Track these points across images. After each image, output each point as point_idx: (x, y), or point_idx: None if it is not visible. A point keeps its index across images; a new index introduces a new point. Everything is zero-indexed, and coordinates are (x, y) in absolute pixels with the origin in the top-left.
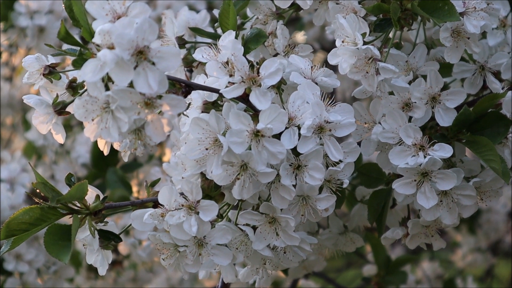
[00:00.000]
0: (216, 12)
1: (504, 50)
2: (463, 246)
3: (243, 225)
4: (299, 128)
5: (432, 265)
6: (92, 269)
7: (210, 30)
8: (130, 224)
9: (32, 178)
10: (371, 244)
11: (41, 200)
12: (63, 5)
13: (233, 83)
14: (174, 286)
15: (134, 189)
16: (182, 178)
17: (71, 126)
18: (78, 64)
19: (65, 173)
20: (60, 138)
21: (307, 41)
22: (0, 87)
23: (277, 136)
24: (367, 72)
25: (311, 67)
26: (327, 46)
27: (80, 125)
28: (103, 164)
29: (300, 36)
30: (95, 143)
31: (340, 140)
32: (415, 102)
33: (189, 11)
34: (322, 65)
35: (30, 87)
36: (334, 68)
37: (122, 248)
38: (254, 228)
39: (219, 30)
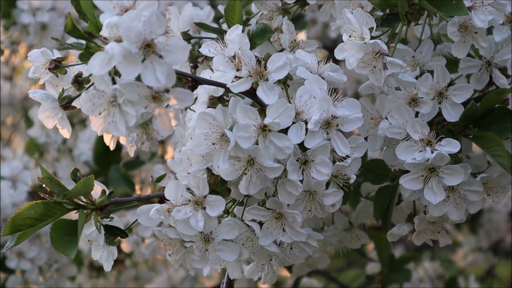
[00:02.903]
0: (221, 8)
1: (510, 45)
2: (464, 246)
3: (250, 220)
4: (306, 123)
5: (433, 264)
6: (94, 268)
7: (215, 26)
8: (134, 222)
9: (34, 175)
10: (375, 242)
11: (47, 195)
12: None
13: (240, 78)
14: (175, 285)
15: (137, 186)
16: (189, 173)
17: (73, 123)
18: (85, 57)
19: (67, 170)
20: (66, 132)
21: (309, 39)
22: (0, 86)
23: (284, 131)
24: (374, 67)
25: (318, 62)
26: (329, 44)
27: (83, 122)
28: (105, 162)
29: (302, 35)
30: (98, 140)
31: (347, 135)
32: (422, 98)
33: (193, 7)
34: (326, 62)
35: (30, 86)
36: (339, 64)
37: (125, 245)
38: (261, 223)
39: (224, 26)
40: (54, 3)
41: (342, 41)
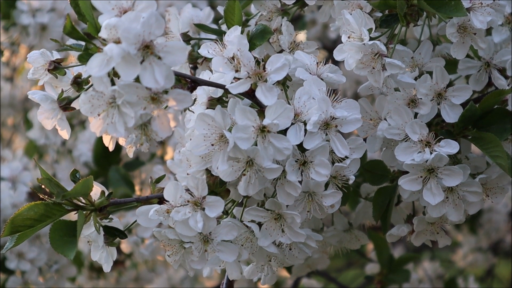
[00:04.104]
0: (220, 9)
1: (509, 46)
2: (464, 246)
3: (249, 221)
4: (305, 124)
5: (433, 265)
6: (94, 269)
7: (214, 27)
8: (133, 222)
9: (34, 176)
10: (374, 242)
11: (46, 196)
12: (69, 0)
13: (239, 79)
14: (175, 286)
15: (136, 187)
16: (188, 174)
17: (73, 124)
18: (84, 59)
19: (67, 172)
20: (65, 133)
21: (309, 39)
22: (1, 87)
23: (283, 132)
24: (373, 68)
25: (317, 63)
26: (329, 45)
27: (82, 123)
28: (105, 163)
29: (301, 36)
30: (97, 141)
31: (345, 136)
32: (421, 99)
33: (193, 8)
34: (325, 63)
35: (31, 87)
36: (339, 65)
37: (125, 246)
38: (260, 224)
39: (223, 27)
40: (54, 4)
41: (342, 42)
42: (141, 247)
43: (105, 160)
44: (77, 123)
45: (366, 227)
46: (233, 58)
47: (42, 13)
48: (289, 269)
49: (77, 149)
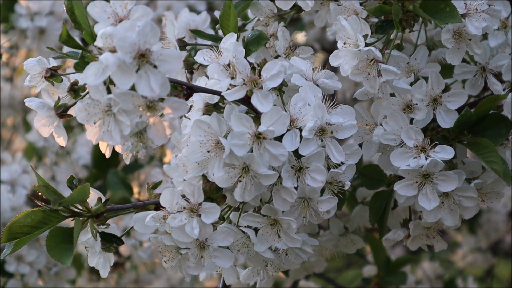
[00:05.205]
0: (217, 13)
1: (505, 51)
2: (463, 246)
3: (245, 227)
4: (300, 130)
5: (433, 265)
6: (94, 271)
7: (211, 31)
8: (131, 227)
9: (33, 179)
10: (371, 245)
11: (43, 203)
12: (64, 7)
13: (235, 86)
14: (174, 286)
15: (135, 190)
16: (184, 180)
17: (72, 127)
18: (80, 67)
19: (66, 174)
20: (62, 141)
21: (308, 41)
22: (1, 87)
23: (279, 139)
24: (368, 74)
25: (313, 69)
26: (328, 46)
27: (81, 126)
28: (104, 165)
29: (300, 37)
30: (96, 144)
31: (341, 142)
32: (417, 104)
33: (190, 12)
34: (324, 66)
35: (31, 88)
36: (335, 69)
37: (123, 249)
38: (256, 230)
39: (220, 32)
40: (52, 7)
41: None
42: (139, 250)
43: (104, 163)
44: (77, 125)
45: (363, 230)
46: (228, 65)
47: (41, 16)
48: (286, 272)
49: (76, 152)
